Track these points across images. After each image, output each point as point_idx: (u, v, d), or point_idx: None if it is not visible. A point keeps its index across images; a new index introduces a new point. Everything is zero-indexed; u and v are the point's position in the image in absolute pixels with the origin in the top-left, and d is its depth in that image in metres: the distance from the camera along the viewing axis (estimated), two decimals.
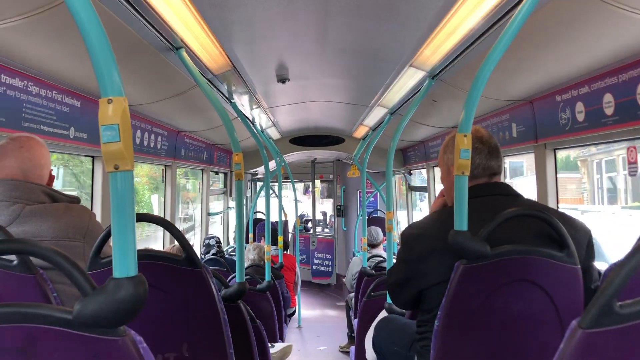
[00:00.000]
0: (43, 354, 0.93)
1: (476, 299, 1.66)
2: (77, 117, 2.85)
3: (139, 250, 1.74)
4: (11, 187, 1.79)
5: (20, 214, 1.74)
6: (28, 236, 1.73)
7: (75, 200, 1.97)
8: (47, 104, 2.56)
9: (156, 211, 6.39)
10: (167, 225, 1.80)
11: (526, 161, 7.17)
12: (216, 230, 7.58)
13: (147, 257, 1.73)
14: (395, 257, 1.96)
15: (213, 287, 1.76)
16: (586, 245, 1.77)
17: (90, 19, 0.93)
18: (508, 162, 5.93)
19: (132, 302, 0.94)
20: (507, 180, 5.98)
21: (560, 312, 1.66)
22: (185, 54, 2.53)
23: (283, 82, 3.85)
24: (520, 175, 7.63)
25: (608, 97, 2.45)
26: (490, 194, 1.84)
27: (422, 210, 8.06)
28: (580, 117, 2.71)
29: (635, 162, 2.47)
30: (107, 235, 1.69)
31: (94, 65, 0.94)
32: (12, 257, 1.59)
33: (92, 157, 3.34)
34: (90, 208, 3.28)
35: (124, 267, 0.95)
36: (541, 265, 1.64)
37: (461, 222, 1.64)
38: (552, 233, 1.68)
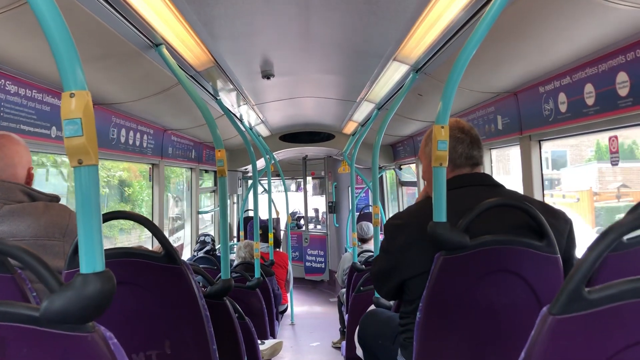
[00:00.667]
0: (11, 352, 0.92)
1: (457, 290, 1.66)
2: (59, 116, 2.83)
3: (116, 248, 1.74)
4: None
5: None
6: (6, 236, 1.72)
7: (55, 199, 1.95)
8: (26, 103, 2.54)
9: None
10: (145, 222, 1.79)
11: (570, 150, 6.62)
12: (206, 229, 7.57)
13: (125, 255, 1.72)
14: (380, 248, 1.96)
15: (193, 283, 1.75)
16: (567, 235, 1.78)
17: (50, 11, 0.91)
18: (550, 152, 5.67)
19: (100, 298, 0.93)
20: (550, 172, 5.73)
21: (542, 301, 1.66)
22: (165, 51, 2.52)
23: (268, 78, 3.83)
24: (563, 167, 6.86)
25: (589, 88, 2.46)
26: (472, 184, 1.85)
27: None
28: (563, 107, 2.72)
29: (617, 152, 2.48)
30: None
31: (55, 58, 0.93)
32: None
33: None
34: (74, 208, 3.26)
35: (90, 262, 0.94)
36: (521, 255, 1.64)
37: (440, 213, 1.64)
38: (531, 223, 1.69)
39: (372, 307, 3.26)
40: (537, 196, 3.27)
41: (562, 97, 2.72)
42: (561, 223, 1.79)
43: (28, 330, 0.92)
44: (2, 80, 2.35)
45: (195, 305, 1.76)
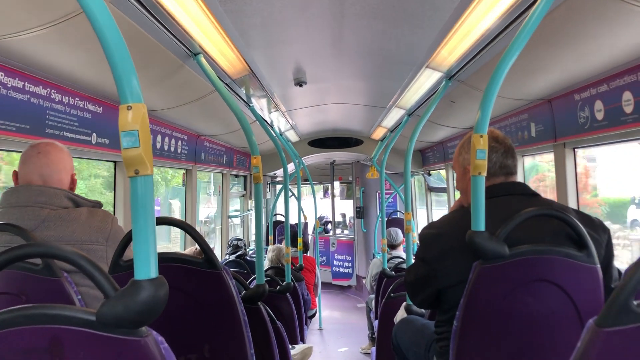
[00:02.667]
0: (69, 354, 0.96)
1: (494, 299, 1.65)
2: (99, 123, 2.91)
3: (160, 253, 1.78)
4: (36, 192, 1.83)
5: (45, 219, 1.78)
6: (53, 240, 1.77)
7: (98, 205, 2.01)
8: (69, 110, 2.61)
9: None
10: (187, 228, 1.83)
11: None
12: (236, 232, 7.64)
13: (167, 260, 1.76)
14: (414, 257, 1.96)
15: (233, 289, 1.78)
16: (605, 244, 1.76)
17: (109, 28, 0.95)
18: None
19: (153, 304, 0.96)
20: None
21: (581, 312, 1.65)
22: (203, 60, 2.57)
23: (300, 86, 3.87)
24: None
25: (627, 95, 2.43)
26: (507, 193, 1.84)
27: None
28: (600, 115, 2.69)
29: None
30: (129, 238, 1.72)
31: (113, 73, 0.96)
32: (38, 260, 1.63)
33: (114, 162, 3.39)
34: (112, 213, 3.34)
35: (145, 269, 0.97)
36: (560, 265, 1.63)
37: (478, 222, 1.64)
38: (570, 232, 1.68)
39: (402, 311, 3.26)
40: (572, 204, 3.23)
41: (598, 104, 2.69)
42: (600, 232, 1.77)
43: (84, 334, 0.95)
44: (48, 89, 2.43)
45: (235, 310, 1.79)
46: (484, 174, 1.67)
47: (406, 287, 2.01)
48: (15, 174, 1.91)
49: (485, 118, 1.68)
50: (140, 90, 0.99)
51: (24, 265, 1.62)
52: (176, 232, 6.09)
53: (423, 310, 2.91)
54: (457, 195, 2.11)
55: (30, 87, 2.30)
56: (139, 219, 0.98)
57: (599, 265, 1.65)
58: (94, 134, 2.88)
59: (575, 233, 1.65)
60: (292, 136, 7.03)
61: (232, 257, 5.47)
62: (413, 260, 2.08)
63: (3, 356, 0.95)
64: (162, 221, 1.79)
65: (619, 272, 1.83)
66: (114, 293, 0.94)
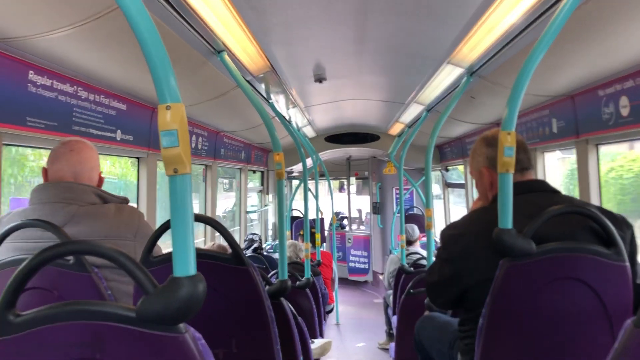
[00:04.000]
0: (109, 349, 0.97)
1: (521, 297, 1.65)
2: (123, 120, 2.94)
3: None
4: (65, 189, 1.86)
5: (74, 215, 1.81)
6: (82, 236, 1.80)
7: (125, 201, 2.03)
8: (95, 108, 2.65)
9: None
10: (217, 226, 1.85)
11: None
12: (252, 228, 7.68)
13: (197, 256, 1.78)
14: (435, 256, 1.95)
15: (260, 284, 1.80)
16: (630, 240, 1.75)
17: (147, 29, 0.97)
18: None
19: (193, 300, 0.97)
20: None
21: (609, 310, 1.64)
22: (227, 57, 2.58)
23: (320, 82, 3.88)
24: None
25: None
26: (528, 191, 1.82)
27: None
28: (625, 111, 2.66)
29: None
30: (159, 234, 1.74)
31: (152, 73, 0.97)
32: (69, 256, 1.66)
33: (138, 158, 3.43)
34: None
35: (183, 266, 0.99)
36: (588, 263, 1.62)
37: (506, 220, 1.63)
38: (596, 229, 1.67)
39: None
40: (594, 201, 3.20)
41: (624, 100, 2.66)
42: (623, 229, 1.76)
43: (125, 330, 0.97)
44: (75, 87, 2.46)
45: (262, 306, 1.80)
46: (512, 171, 1.66)
47: (427, 288, 1.99)
48: (45, 170, 1.94)
49: (513, 115, 1.68)
50: (178, 90, 1.00)
51: (56, 261, 1.65)
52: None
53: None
54: (475, 192, 2.10)
55: (58, 85, 2.33)
56: (177, 216, 0.99)
57: (628, 264, 1.63)
58: (119, 131, 2.91)
59: (604, 231, 1.64)
60: (309, 132, 7.04)
61: (249, 252, 5.51)
62: (433, 257, 2.07)
63: (46, 349, 0.97)
64: (195, 219, 1.81)
65: None
66: (153, 290, 0.96)
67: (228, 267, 1.79)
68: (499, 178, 1.67)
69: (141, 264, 1.75)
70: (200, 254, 1.79)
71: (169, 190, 1.00)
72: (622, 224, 1.77)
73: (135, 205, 3.42)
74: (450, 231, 1.87)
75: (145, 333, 0.97)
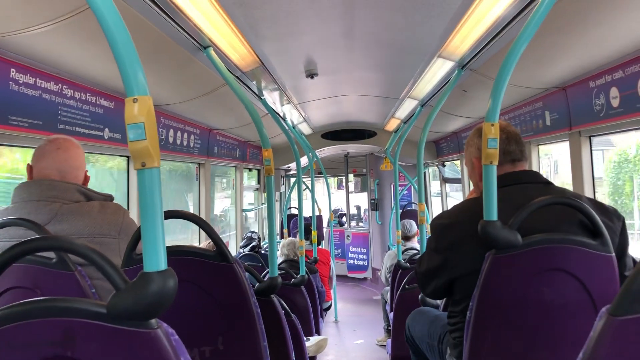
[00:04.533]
0: (80, 346, 0.96)
1: (508, 289, 1.64)
2: (111, 118, 2.92)
3: (172, 247, 1.79)
4: (48, 187, 1.85)
5: (57, 213, 1.80)
6: (65, 234, 1.79)
7: (109, 198, 2.02)
8: (81, 106, 2.63)
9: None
10: (199, 222, 1.83)
11: None
12: (250, 226, 7.67)
13: (179, 253, 1.77)
14: (426, 247, 1.95)
15: (245, 281, 1.79)
16: (619, 232, 1.74)
17: (113, 21, 0.95)
18: None
19: (163, 295, 0.96)
20: None
21: (596, 301, 1.63)
22: (213, 53, 2.57)
23: (312, 77, 3.85)
24: None
25: None
26: (519, 182, 1.81)
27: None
28: (615, 102, 2.64)
29: None
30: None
31: (119, 65, 0.96)
32: (52, 254, 1.65)
33: (127, 157, 3.41)
34: (126, 207, 3.36)
35: (153, 261, 0.98)
36: (574, 253, 1.61)
37: (490, 211, 1.62)
38: (584, 221, 1.65)
39: None
40: (588, 193, 3.19)
41: (614, 91, 2.65)
42: (614, 220, 1.74)
43: (95, 326, 0.95)
44: (60, 85, 2.44)
45: (247, 303, 1.79)
46: (496, 162, 1.65)
47: (417, 277, 2.00)
48: (29, 168, 1.93)
49: (496, 106, 1.67)
50: (146, 83, 0.99)
51: (39, 259, 1.64)
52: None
53: (438, 302, 2.90)
54: (472, 186, 2.10)
55: (41, 83, 2.31)
56: (146, 211, 0.98)
57: (613, 254, 1.62)
58: (107, 129, 2.90)
59: (589, 221, 1.63)
60: (305, 129, 7.03)
61: (246, 250, 5.49)
62: None
63: (16, 348, 0.96)
64: (173, 214, 1.79)
65: (634, 260, 1.80)
66: (124, 286, 0.95)
67: (213, 263, 1.77)
68: (483, 169, 1.66)
69: (124, 261, 1.76)
70: (185, 251, 1.79)
71: (138, 184, 0.99)
72: (613, 215, 1.76)
73: (125, 203, 3.41)
74: (440, 220, 1.87)
75: (116, 329, 0.95)
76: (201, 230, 5.11)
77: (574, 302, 1.64)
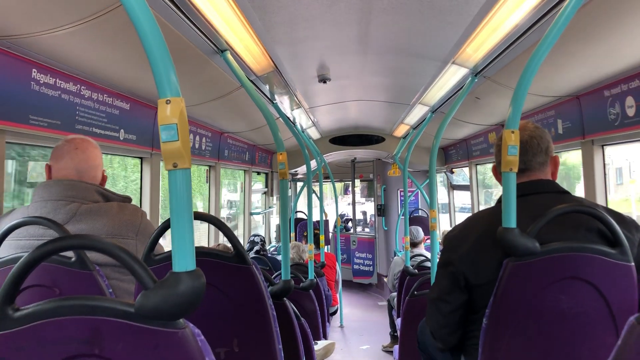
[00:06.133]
0: (108, 344, 0.97)
1: (525, 296, 1.64)
2: (127, 119, 2.94)
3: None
4: (67, 187, 1.86)
5: (76, 213, 1.81)
6: (83, 233, 1.80)
7: (127, 199, 2.04)
8: (98, 107, 2.65)
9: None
10: (219, 224, 1.84)
11: None
12: (256, 229, 7.67)
13: (198, 254, 1.77)
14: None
15: (262, 284, 1.79)
16: (638, 243, 1.73)
17: (148, 23, 0.96)
18: None
19: (191, 296, 0.97)
20: None
21: (614, 310, 1.62)
22: (230, 56, 2.58)
23: (324, 82, 3.87)
24: None
25: None
26: (536, 192, 1.80)
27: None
28: (631, 112, 2.64)
29: None
30: (160, 232, 1.73)
31: (152, 67, 0.97)
32: (70, 253, 1.66)
33: (141, 158, 3.43)
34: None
35: (182, 261, 0.98)
36: (593, 262, 1.61)
37: (509, 219, 1.62)
38: (602, 230, 1.65)
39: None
40: (600, 202, 3.18)
41: (629, 100, 2.64)
42: (632, 231, 1.73)
43: (123, 325, 0.96)
44: (78, 86, 2.46)
45: (264, 306, 1.79)
46: (515, 170, 1.65)
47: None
48: (48, 167, 1.94)
49: (517, 114, 1.67)
50: (178, 85, 1.00)
51: (58, 259, 1.65)
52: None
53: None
54: (482, 194, 2.09)
55: (61, 83, 2.33)
56: (177, 211, 0.99)
57: (633, 264, 1.62)
58: (122, 130, 2.91)
59: (609, 230, 1.63)
60: (314, 133, 7.04)
61: (251, 254, 5.50)
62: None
63: (45, 345, 0.96)
64: (196, 216, 1.80)
65: None
66: (152, 285, 0.95)
67: (230, 265, 1.78)
68: (503, 176, 1.65)
69: (143, 261, 1.76)
70: (203, 252, 1.79)
71: (169, 185, 1.00)
72: (631, 226, 1.74)
73: (138, 204, 3.42)
74: (454, 232, 1.85)
75: (144, 328, 0.96)
76: (211, 231, 5.15)
77: (592, 311, 1.63)
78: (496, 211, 1.69)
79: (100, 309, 0.96)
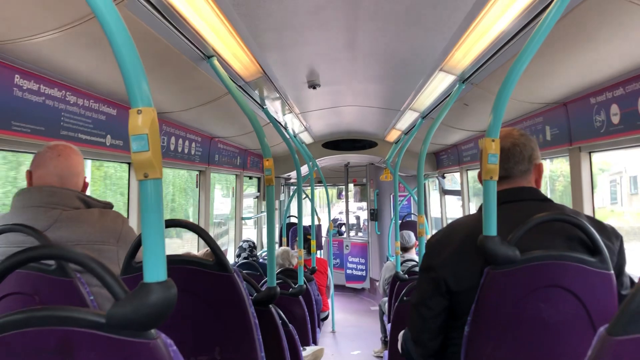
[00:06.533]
0: (79, 355, 0.96)
1: (506, 305, 1.64)
2: (113, 124, 2.93)
3: (170, 255, 1.79)
4: (48, 193, 1.85)
5: (57, 219, 1.80)
6: (64, 240, 1.79)
7: (109, 206, 2.02)
8: (84, 112, 2.64)
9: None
10: (198, 230, 1.84)
11: None
12: (248, 234, 7.66)
13: (178, 262, 1.77)
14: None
15: (243, 291, 1.79)
16: (617, 251, 1.73)
17: (119, 32, 0.96)
18: None
19: (162, 306, 0.96)
20: None
21: (593, 319, 1.63)
22: (216, 62, 2.58)
23: (314, 88, 3.87)
24: None
25: None
26: (517, 199, 1.80)
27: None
28: (616, 119, 2.66)
29: None
30: (141, 240, 1.72)
31: (124, 76, 0.97)
32: (51, 261, 1.65)
33: (128, 163, 3.42)
34: (126, 214, 3.37)
35: (154, 272, 0.98)
36: (573, 270, 1.61)
37: (490, 227, 1.62)
38: (583, 238, 1.65)
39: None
40: (587, 209, 3.19)
41: (614, 108, 2.66)
42: (612, 239, 1.74)
43: (94, 336, 0.95)
44: (63, 91, 2.45)
45: (245, 313, 1.79)
46: (496, 178, 1.65)
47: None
48: (29, 174, 1.93)
49: (498, 122, 1.67)
50: (150, 95, 0.99)
51: (38, 266, 1.64)
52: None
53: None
54: (473, 198, 2.09)
55: (45, 89, 2.32)
56: (148, 221, 0.99)
57: (612, 272, 1.62)
58: (109, 136, 2.90)
59: (589, 238, 1.63)
60: (306, 138, 7.04)
61: (241, 260, 5.48)
62: None
63: (15, 356, 0.96)
64: (173, 223, 1.80)
65: (631, 279, 1.80)
66: (123, 295, 0.95)
67: (212, 273, 1.78)
68: (484, 184, 1.66)
69: (123, 269, 1.76)
70: (184, 260, 1.79)
71: (140, 194, 1.00)
72: (611, 234, 1.75)
73: (125, 211, 3.41)
74: (436, 237, 1.85)
75: (114, 339, 0.95)
76: (199, 238, 5.13)
77: (572, 319, 1.63)
78: (478, 218, 1.69)
79: (70, 319, 0.96)
